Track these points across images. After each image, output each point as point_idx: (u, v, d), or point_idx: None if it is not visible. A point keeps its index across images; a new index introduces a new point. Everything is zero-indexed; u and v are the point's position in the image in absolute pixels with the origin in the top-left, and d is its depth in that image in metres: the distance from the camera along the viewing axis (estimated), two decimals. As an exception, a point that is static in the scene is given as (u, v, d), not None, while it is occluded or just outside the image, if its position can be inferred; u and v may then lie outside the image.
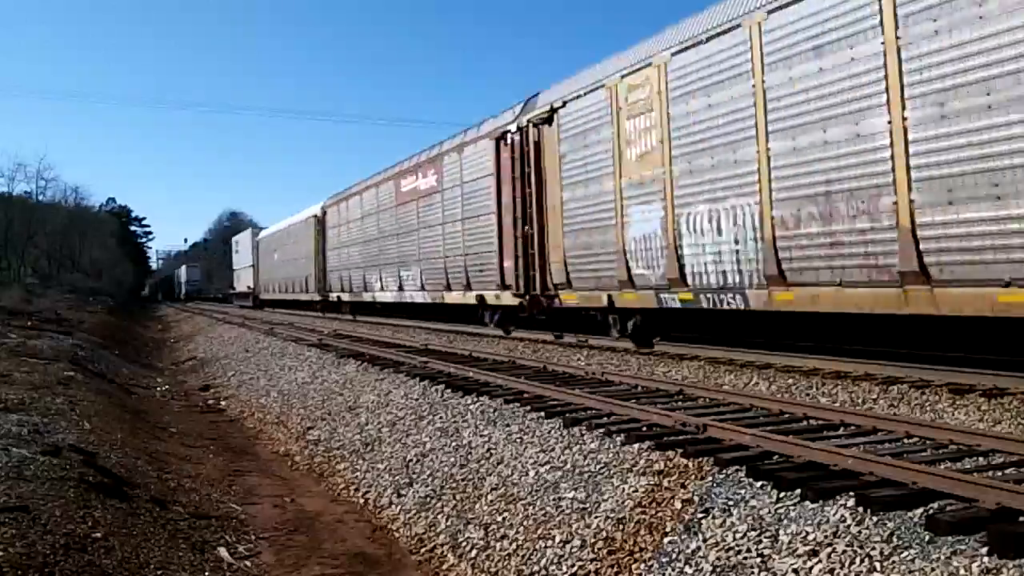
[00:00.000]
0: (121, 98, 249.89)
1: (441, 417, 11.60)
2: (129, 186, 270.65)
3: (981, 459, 6.92)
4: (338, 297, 38.27)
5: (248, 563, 8.16)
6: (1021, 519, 5.18)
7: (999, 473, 6.36)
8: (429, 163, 26.40)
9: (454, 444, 10.43)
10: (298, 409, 15.96)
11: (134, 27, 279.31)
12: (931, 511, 5.52)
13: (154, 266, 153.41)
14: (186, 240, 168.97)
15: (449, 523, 8.68)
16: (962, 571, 4.77)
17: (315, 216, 42.34)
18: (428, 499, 9.43)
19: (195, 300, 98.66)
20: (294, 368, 19.95)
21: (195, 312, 61.06)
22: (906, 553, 5.13)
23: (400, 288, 29.03)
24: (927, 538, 5.20)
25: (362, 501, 10.48)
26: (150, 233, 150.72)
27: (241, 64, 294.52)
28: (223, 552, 8.20)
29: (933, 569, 4.89)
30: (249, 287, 66.04)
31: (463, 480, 9.36)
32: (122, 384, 19.62)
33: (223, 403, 19.20)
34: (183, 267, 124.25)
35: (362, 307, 36.43)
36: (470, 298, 23.37)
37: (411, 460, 10.69)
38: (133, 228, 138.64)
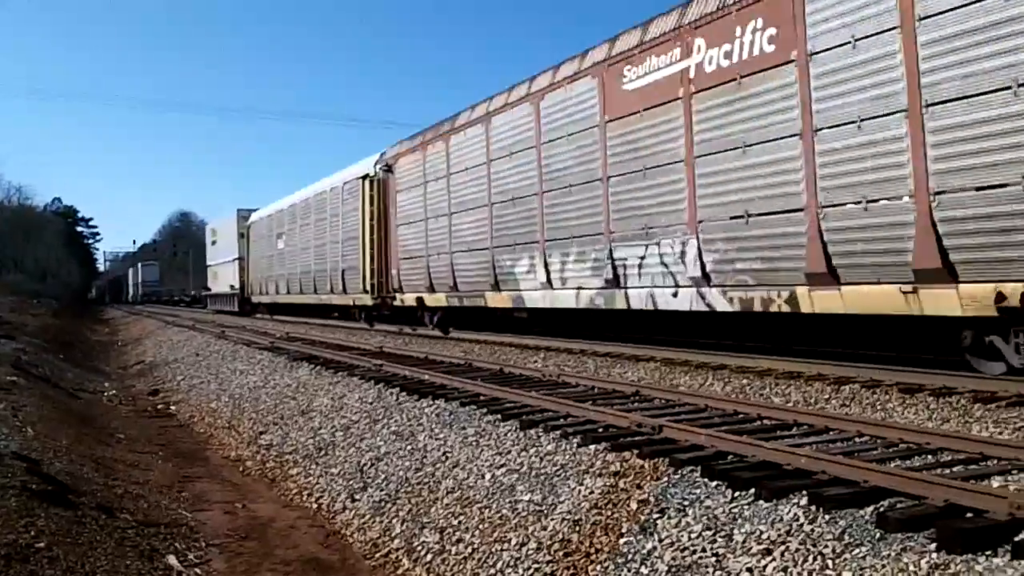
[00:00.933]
0: (67, 96, 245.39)
1: (396, 421, 11.56)
2: (76, 186, 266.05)
3: (930, 457, 7.02)
4: (418, 300, 24.17)
5: (198, 571, 8.06)
6: (968, 515, 5.26)
7: (947, 470, 6.45)
8: (740, 11, 12.80)
9: (409, 448, 10.40)
10: (249, 413, 15.82)
11: (83, 26, 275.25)
12: (882, 509, 5.59)
13: (101, 268, 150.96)
14: (135, 242, 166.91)
15: (404, 527, 8.64)
16: (912, 567, 4.83)
17: (367, 177, 27.78)
18: (383, 503, 9.38)
19: (152, 303, 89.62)
20: (246, 372, 19.77)
21: (144, 315, 60.28)
22: (857, 551, 5.19)
23: (615, 281, 15.59)
24: (878, 535, 5.26)
25: (315, 506, 10.40)
26: (97, 234, 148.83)
27: (192, 62, 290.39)
28: (172, 560, 8.09)
29: (884, 566, 4.94)
30: (233, 287, 51.75)
31: (418, 484, 9.33)
32: (67, 389, 19.31)
33: (172, 408, 18.96)
34: (138, 266, 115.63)
35: (470, 316, 23.28)
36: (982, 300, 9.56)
37: (365, 464, 10.63)
38: (80, 229, 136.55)
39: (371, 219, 27.09)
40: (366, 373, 15.32)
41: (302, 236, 36.37)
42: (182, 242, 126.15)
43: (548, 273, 17.43)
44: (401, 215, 25.13)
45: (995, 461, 6.67)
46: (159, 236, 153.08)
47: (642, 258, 14.77)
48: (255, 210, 48.79)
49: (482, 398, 11.53)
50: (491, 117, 19.89)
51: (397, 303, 25.64)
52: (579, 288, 16.54)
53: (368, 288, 27.53)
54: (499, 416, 10.17)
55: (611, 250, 15.55)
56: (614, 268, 15.48)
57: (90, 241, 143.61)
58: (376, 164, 27.45)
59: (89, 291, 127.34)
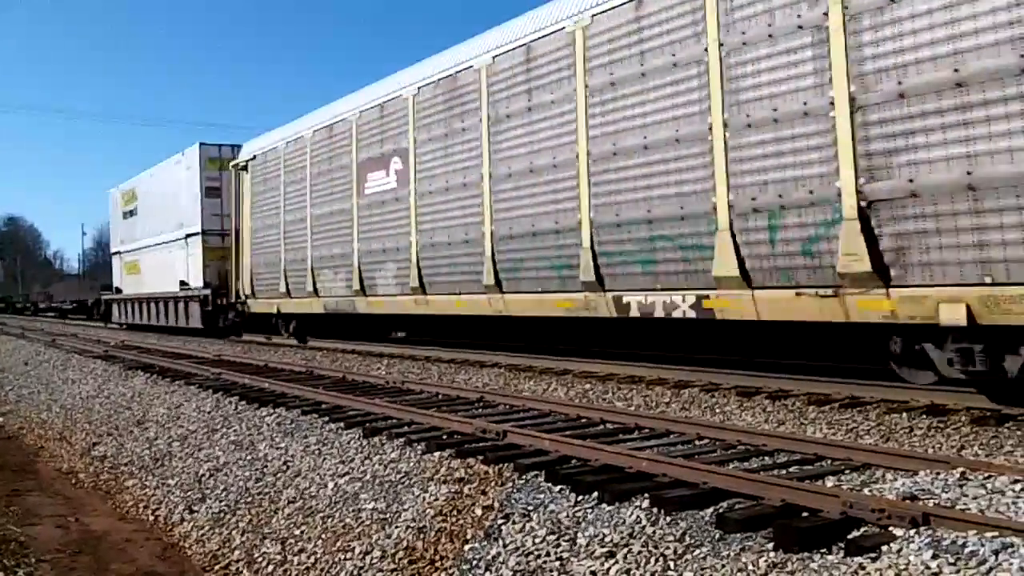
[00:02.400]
0: None
1: (235, 430, 11.26)
2: None
3: (767, 458, 7.20)
4: None
5: (26, 588, 7.70)
6: (804, 514, 5.40)
7: (783, 471, 6.63)
8: None
9: (249, 457, 10.14)
10: (82, 424, 15.19)
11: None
12: (721, 510, 5.69)
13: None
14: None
15: (245, 539, 8.41)
16: (750, 566, 4.93)
17: None
18: (222, 514, 9.11)
19: None
20: (78, 381, 18.98)
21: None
22: (698, 551, 5.26)
23: None
24: (717, 536, 5.35)
25: (152, 519, 10.04)
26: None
27: (12, 57, 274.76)
28: (-2, 578, 7.72)
29: (724, 565, 5.03)
30: (187, 284, 29.58)
31: (259, 494, 9.10)
32: None
33: (-1, 420, 18.09)
34: None
35: None
36: None
37: (204, 475, 10.32)
38: None
39: None
40: (204, 382, 14.89)
41: (532, 139, 14.35)
42: (10, 247, 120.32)
43: None
44: None
45: (829, 461, 6.89)
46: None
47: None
48: (238, 146, 27.09)
49: (324, 406, 11.33)
50: None
51: None
52: None
53: None
54: (342, 424, 10.00)
55: None
56: None
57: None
58: None
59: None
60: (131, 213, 37.63)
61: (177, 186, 30.84)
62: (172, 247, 31.46)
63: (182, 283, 29.75)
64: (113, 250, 40.88)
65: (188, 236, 29.76)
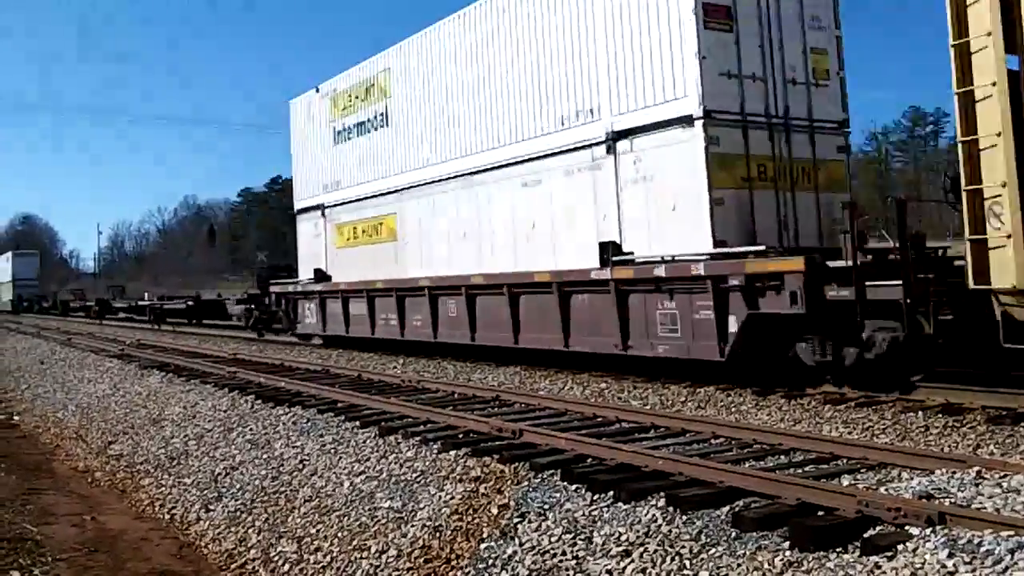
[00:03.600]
0: None
1: (251, 429, 11.29)
2: None
3: (783, 457, 7.20)
4: None
5: (44, 587, 7.73)
6: (820, 513, 5.40)
7: (799, 470, 6.63)
8: None
9: (265, 456, 10.17)
10: (98, 423, 15.25)
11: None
12: (737, 509, 5.69)
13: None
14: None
15: (261, 537, 8.44)
16: (766, 565, 4.93)
17: None
18: (238, 513, 9.14)
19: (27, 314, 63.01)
20: (94, 380, 19.05)
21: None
22: (714, 550, 5.27)
23: None
24: (733, 535, 5.36)
25: (168, 517, 10.08)
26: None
27: (33, 57, 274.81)
28: (16, 576, 7.75)
29: (739, 564, 5.03)
30: (617, 248, 12.81)
31: (275, 493, 9.12)
32: None
33: (16, 418, 18.13)
34: (6, 257, 76.63)
35: None
36: None
37: (220, 473, 10.35)
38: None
39: None
40: (220, 380, 14.94)
41: None
42: (26, 246, 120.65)
43: None
44: None
45: (844, 460, 6.89)
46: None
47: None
48: None
49: (340, 405, 11.36)
50: None
51: None
52: None
53: None
54: (358, 423, 10.03)
55: None
56: None
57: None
58: None
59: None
60: (360, 129, 20.36)
61: (561, 26, 14.32)
62: (543, 171, 14.79)
63: (606, 248, 13.13)
64: (301, 205, 23.55)
65: (618, 137, 13.21)
